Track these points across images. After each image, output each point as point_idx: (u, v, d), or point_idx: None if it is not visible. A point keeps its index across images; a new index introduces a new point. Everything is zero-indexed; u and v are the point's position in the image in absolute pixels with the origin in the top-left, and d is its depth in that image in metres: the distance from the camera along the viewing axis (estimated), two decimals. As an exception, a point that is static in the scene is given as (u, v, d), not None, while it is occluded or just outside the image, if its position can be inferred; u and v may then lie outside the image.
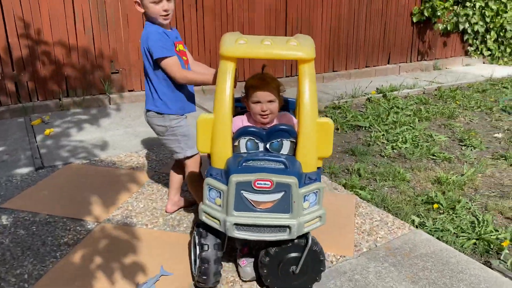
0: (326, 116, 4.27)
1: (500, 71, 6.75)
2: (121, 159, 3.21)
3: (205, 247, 1.74)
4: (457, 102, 4.95)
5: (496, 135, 3.91)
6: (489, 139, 3.82)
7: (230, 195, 1.61)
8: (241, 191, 1.61)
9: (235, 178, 1.60)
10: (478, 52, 7.51)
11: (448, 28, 6.80)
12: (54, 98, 4.50)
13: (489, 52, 7.53)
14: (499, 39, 7.53)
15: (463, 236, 2.29)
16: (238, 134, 1.77)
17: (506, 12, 7.28)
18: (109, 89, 4.72)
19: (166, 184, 2.81)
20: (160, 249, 2.13)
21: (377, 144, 3.65)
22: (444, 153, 3.42)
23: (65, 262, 2.02)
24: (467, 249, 2.21)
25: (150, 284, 1.85)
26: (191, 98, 2.28)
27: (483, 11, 7.10)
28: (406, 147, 3.52)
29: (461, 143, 3.70)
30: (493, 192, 2.82)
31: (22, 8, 4.15)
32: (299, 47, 1.69)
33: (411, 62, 6.92)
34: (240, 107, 2.10)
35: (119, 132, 3.81)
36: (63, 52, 4.44)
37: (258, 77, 1.89)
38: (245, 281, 1.88)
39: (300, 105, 1.70)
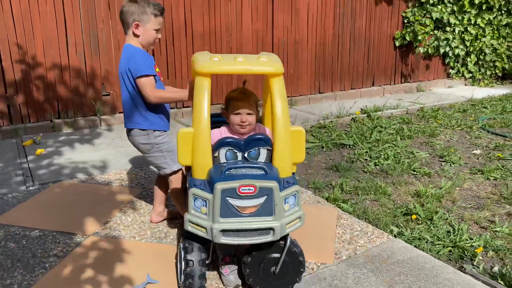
0: (312, 135, 4.42)
1: (480, 92, 7.00)
2: (110, 176, 3.29)
3: (190, 263, 1.80)
4: (438, 121, 5.13)
5: (474, 151, 4.06)
6: (468, 155, 3.96)
7: (216, 202, 1.68)
8: (226, 198, 1.68)
9: (220, 185, 1.68)
10: (460, 75, 7.79)
11: (429, 52, 7.08)
12: (46, 119, 4.59)
13: (470, 75, 7.81)
14: (479, 62, 7.83)
15: (439, 244, 2.39)
16: (218, 145, 1.85)
17: (484, 36, 7.61)
18: (100, 111, 4.82)
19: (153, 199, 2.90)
20: (147, 260, 2.19)
21: (360, 161, 3.77)
22: (424, 168, 3.55)
23: (54, 273, 2.08)
24: (442, 256, 2.30)
25: (136, 291, 1.92)
26: (168, 115, 2.40)
27: (462, 35, 7.41)
28: (388, 163, 3.65)
29: (441, 159, 3.84)
30: (470, 204, 2.94)
31: (17, 33, 4.29)
32: (269, 63, 1.82)
33: (395, 84, 7.15)
34: (216, 121, 2.19)
35: (109, 152, 3.90)
36: (56, 75, 4.56)
37: (239, 91, 2.01)
38: None
39: (274, 116, 1.81)
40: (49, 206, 2.78)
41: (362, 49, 6.64)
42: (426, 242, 2.42)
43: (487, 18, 7.50)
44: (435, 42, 7.15)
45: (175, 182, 2.37)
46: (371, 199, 3.01)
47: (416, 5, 6.94)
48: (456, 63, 7.68)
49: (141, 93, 2.21)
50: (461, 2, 7.15)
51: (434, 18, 6.96)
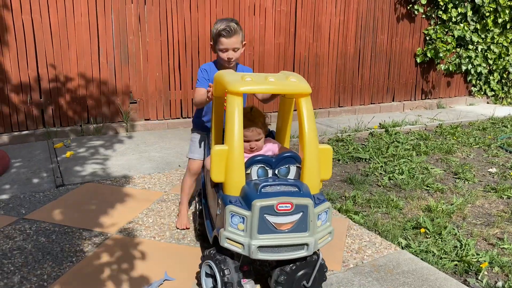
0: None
1: (502, 111, 6.97)
2: (134, 180, 3.49)
3: (226, 272, 1.82)
4: (455, 138, 5.16)
5: (490, 170, 4.09)
6: (483, 174, 4.00)
7: (254, 219, 1.72)
8: (264, 215, 1.73)
9: (258, 203, 1.72)
10: (482, 93, 7.76)
11: (450, 69, 7.09)
12: (76, 124, 4.86)
13: (493, 93, 7.78)
14: (503, 80, 7.79)
15: (445, 258, 2.47)
16: (250, 163, 1.90)
17: (508, 55, 7.57)
18: (127, 118, 5.06)
19: (174, 202, 3.07)
20: (165, 259, 2.35)
21: (375, 174, 3.86)
22: (437, 184, 3.61)
23: (80, 266, 2.26)
24: (447, 269, 2.38)
25: (154, 286, 2.07)
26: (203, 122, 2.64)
27: (485, 53, 7.40)
28: (402, 178, 3.73)
29: (455, 176, 3.89)
30: (480, 221, 2.99)
31: (53, 43, 4.58)
32: (299, 83, 1.93)
33: (415, 100, 7.19)
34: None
35: (134, 157, 4.10)
36: (86, 83, 4.83)
37: (247, 118, 2.03)
38: None
39: (303, 134, 1.89)
40: (77, 205, 2.98)
41: (383, 65, 6.73)
42: (433, 255, 2.49)
43: (510, 37, 7.47)
44: (457, 59, 7.17)
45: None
46: (383, 212, 3.10)
47: (439, 23, 6.99)
48: (478, 81, 7.66)
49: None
50: (484, 21, 7.16)
51: (456, 36, 6.99)
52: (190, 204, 2.87)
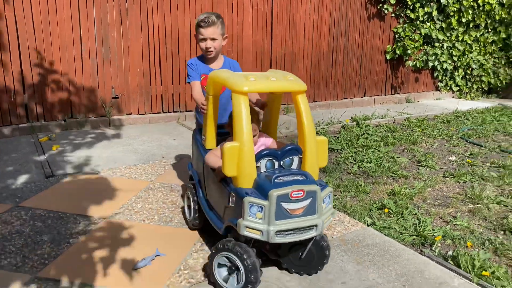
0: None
1: (465, 105, 7.43)
2: (121, 170, 3.69)
3: (250, 260, 1.95)
4: (421, 130, 5.54)
5: (450, 158, 4.47)
6: (444, 162, 4.37)
7: (271, 207, 1.89)
8: (280, 203, 1.91)
9: (275, 192, 1.89)
10: (448, 88, 8.22)
11: (418, 66, 7.51)
12: (60, 119, 4.99)
13: (458, 88, 8.25)
14: (467, 76, 8.27)
15: (405, 233, 2.79)
16: (259, 157, 2.06)
17: (471, 52, 8.05)
18: (109, 112, 5.22)
19: (160, 190, 3.30)
20: (155, 239, 2.58)
21: (346, 163, 4.17)
22: (402, 171, 3.95)
23: (77, 246, 2.46)
24: (406, 242, 2.69)
25: (147, 261, 2.30)
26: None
27: (450, 51, 7.85)
28: (370, 166, 4.05)
29: (418, 164, 4.24)
30: (438, 202, 3.34)
31: (36, 39, 4.70)
32: (297, 82, 2.13)
33: (385, 95, 7.58)
34: (220, 133, 2.56)
35: (118, 149, 4.29)
36: (69, 79, 4.96)
37: None
38: None
39: (303, 127, 2.09)
40: (68, 193, 3.17)
41: (355, 62, 7.08)
42: (395, 231, 2.81)
43: (474, 35, 7.95)
44: (424, 56, 7.59)
45: None
46: (352, 196, 3.41)
47: (407, 21, 7.39)
48: (444, 77, 8.11)
49: None
50: (449, 20, 7.60)
51: (423, 34, 7.40)
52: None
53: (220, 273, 2.07)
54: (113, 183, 3.40)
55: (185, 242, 2.54)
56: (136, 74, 5.34)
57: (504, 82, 8.33)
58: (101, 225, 2.72)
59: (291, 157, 2.13)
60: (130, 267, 2.27)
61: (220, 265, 2.07)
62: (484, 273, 2.28)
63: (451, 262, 2.42)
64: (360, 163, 4.11)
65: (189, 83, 2.84)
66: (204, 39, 2.70)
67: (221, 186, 2.19)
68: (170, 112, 5.66)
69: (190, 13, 5.49)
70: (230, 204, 2.06)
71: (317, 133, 5.12)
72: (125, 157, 4.04)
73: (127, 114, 5.41)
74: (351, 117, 5.98)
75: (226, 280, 2.05)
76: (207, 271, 2.14)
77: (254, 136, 2.28)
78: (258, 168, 2.06)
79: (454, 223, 2.96)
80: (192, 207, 2.62)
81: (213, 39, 2.70)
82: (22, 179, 3.43)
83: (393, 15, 7.25)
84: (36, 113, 4.86)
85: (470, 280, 2.24)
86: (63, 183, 3.36)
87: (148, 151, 4.28)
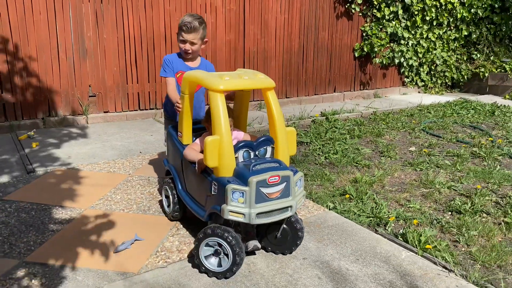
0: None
1: (429, 99, 7.85)
2: (100, 165, 3.87)
3: (231, 237, 2.15)
4: (386, 123, 5.89)
5: (410, 148, 4.81)
6: (404, 152, 4.71)
7: (252, 192, 2.10)
8: (259, 187, 2.11)
9: (255, 178, 2.10)
10: (413, 83, 8.63)
11: (384, 62, 7.88)
12: (38, 117, 5.11)
13: (423, 83, 8.68)
14: (431, 72, 8.71)
15: (363, 216, 3.08)
16: (237, 148, 2.26)
17: (435, 49, 8.48)
18: (87, 110, 5.37)
19: (138, 183, 3.51)
20: (134, 225, 2.79)
21: (313, 155, 4.46)
22: (365, 161, 4.26)
23: (61, 234, 2.66)
24: (363, 223, 2.99)
25: (127, 244, 2.52)
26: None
27: (415, 48, 8.26)
28: (336, 157, 4.34)
29: (381, 154, 4.56)
30: (395, 188, 3.65)
31: (13, 39, 4.81)
32: (267, 79, 2.38)
33: (354, 91, 7.93)
34: (196, 128, 2.80)
35: (97, 146, 4.46)
36: (47, 78, 5.09)
37: None
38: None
39: (274, 120, 2.34)
40: (50, 187, 3.35)
41: (325, 59, 7.39)
42: (354, 214, 3.10)
43: (437, 33, 8.38)
44: (391, 53, 7.97)
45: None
46: (317, 184, 3.69)
47: (373, 20, 7.74)
48: (410, 73, 8.52)
49: None
50: (413, 18, 8.00)
51: (389, 32, 7.77)
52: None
53: (210, 261, 2.24)
54: (92, 177, 3.59)
55: (162, 228, 2.77)
56: (113, 72, 5.50)
57: (466, 77, 8.80)
58: (82, 214, 2.92)
59: (265, 147, 2.35)
60: (111, 251, 2.48)
61: (208, 256, 2.24)
62: (427, 246, 2.59)
63: (401, 239, 2.73)
64: (327, 155, 4.40)
65: (163, 77, 3.05)
66: (184, 41, 2.93)
67: (202, 177, 2.37)
68: (147, 110, 5.83)
69: (165, 13, 5.68)
70: (213, 193, 2.24)
71: (287, 126, 5.43)
72: (103, 153, 4.22)
73: (104, 112, 5.56)
74: (321, 112, 6.28)
75: (214, 264, 2.23)
76: (194, 255, 2.31)
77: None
78: (236, 158, 2.26)
79: (407, 206, 3.28)
80: (171, 200, 2.78)
81: (192, 43, 2.93)
82: (4, 175, 3.58)
83: (360, 14, 7.59)
84: (14, 112, 4.97)
85: (416, 253, 2.55)
86: (44, 178, 3.53)
87: (126, 146, 4.47)
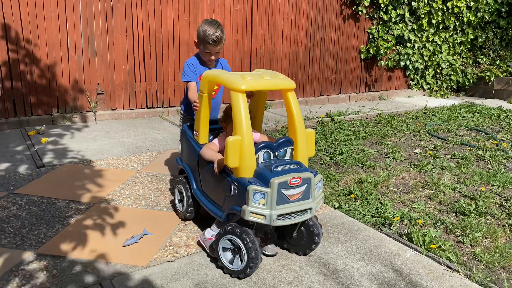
0: (282, 134, 5.13)
1: (434, 102, 7.87)
2: (108, 161, 3.92)
3: (248, 239, 2.11)
4: (391, 125, 5.91)
5: (415, 150, 4.84)
6: (409, 154, 4.74)
7: (273, 193, 2.07)
8: (281, 189, 2.09)
9: (277, 180, 2.07)
10: (419, 86, 8.66)
11: (390, 65, 7.91)
12: (47, 113, 5.18)
13: (428, 86, 8.70)
14: (437, 75, 8.73)
15: (368, 215, 3.11)
16: (258, 149, 2.23)
17: (441, 52, 8.50)
18: (95, 108, 5.43)
19: (146, 179, 3.56)
20: (142, 220, 2.84)
21: (319, 155, 4.49)
22: (370, 162, 4.29)
23: (71, 227, 2.71)
24: (368, 222, 3.02)
25: (136, 239, 2.57)
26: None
27: (421, 51, 8.28)
28: (341, 158, 4.38)
29: (386, 156, 4.59)
30: (400, 189, 3.69)
31: (24, 36, 4.88)
32: (286, 80, 2.35)
33: (360, 92, 7.96)
34: (212, 128, 2.75)
35: (105, 142, 4.52)
36: (57, 74, 5.16)
37: None
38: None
39: (294, 121, 2.31)
40: (60, 182, 3.40)
41: (331, 60, 7.43)
42: (359, 213, 3.14)
43: (443, 37, 8.40)
44: (397, 56, 7.99)
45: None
46: (323, 184, 3.72)
47: (380, 23, 7.77)
48: (415, 76, 8.54)
49: None
50: (420, 22, 8.02)
51: (396, 35, 7.80)
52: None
53: (226, 257, 2.24)
54: (101, 172, 3.64)
55: (170, 223, 2.81)
56: (121, 71, 5.56)
57: (471, 80, 8.81)
58: (92, 209, 2.97)
59: (284, 149, 2.32)
60: (121, 244, 2.53)
61: (225, 249, 2.24)
62: (432, 246, 2.62)
63: (405, 238, 2.76)
64: (332, 155, 4.44)
65: (185, 81, 3.00)
66: (210, 53, 2.87)
67: (221, 177, 2.34)
68: (154, 108, 5.89)
69: (173, 13, 5.73)
70: (232, 193, 2.22)
71: (286, 128, 5.47)
72: (112, 149, 4.27)
73: (112, 109, 5.62)
74: (326, 113, 6.32)
75: (231, 262, 2.23)
76: (213, 253, 2.35)
77: None
78: (257, 159, 2.23)
79: (412, 206, 3.31)
80: (185, 199, 2.76)
81: (217, 53, 2.91)
82: (14, 169, 3.64)
83: (367, 16, 7.62)
84: (24, 107, 5.04)
85: (420, 253, 2.58)
86: (54, 173, 3.59)
87: (133, 143, 4.52)
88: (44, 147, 4.24)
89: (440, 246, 2.65)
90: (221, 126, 2.70)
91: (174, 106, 6.00)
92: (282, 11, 6.67)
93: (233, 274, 2.21)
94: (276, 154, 2.31)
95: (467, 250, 2.70)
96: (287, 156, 2.35)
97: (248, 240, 2.12)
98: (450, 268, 2.43)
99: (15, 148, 4.19)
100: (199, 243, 2.54)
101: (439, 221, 3.06)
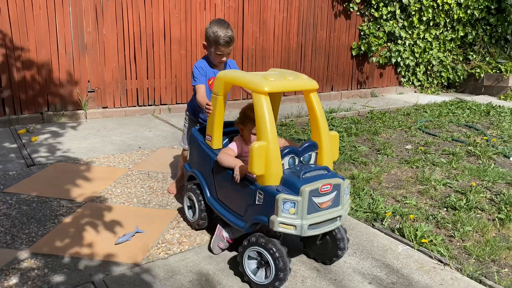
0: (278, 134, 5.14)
1: (425, 98, 7.92)
2: (100, 159, 3.90)
3: (275, 248, 2.01)
4: (382, 122, 5.94)
5: (407, 147, 4.87)
6: (400, 150, 4.76)
7: (304, 202, 1.95)
8: (312, 197, 1.97)
9: (307, 188, 1.94)
10: (410, 83, 8.71)
11: (381, 62, 7.94)
12: (37, 112, 5.12)
13: (419, 83, 8.75)
14: (428, 72, 8.78)
15: (360, 211, 3.13)
16: (284, 155, 2.09)
17: (432, 49, 8.55)
18: (86, 106, 5.39)
19: (138, 177, 3.54)
20: (135, 218, 2.82)
21: (311, 152, 4.50)
22: (362, 158, 4.31)
23: (62, 226, 2.69)
24: (361, 218, 3.04)
25: (128, 236, 2.55)
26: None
27: (412, 48, 8.33)
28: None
29: (377, 152, 4.62)
30: (392, 185, 3.71)
31: (12, 34, 4.82)
32: (310, 80, 2.21)
33: (351, 90, 7.99)
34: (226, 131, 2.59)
35: (96, 140, 4.49)
36: (46, 73, 5.10)
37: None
38: None
39: (319, 123, 2.18)
40: (51, 180, 3.37)
41: (322, 58, 7.44)
42: (351, 209, 3.15)
43: (434, 33, 8.45)
44: (388, 53, 8.03)
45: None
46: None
47: (371, 20, 7.80)
48: (406, 72, 8.59)
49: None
50: (411, 19, 8.06)
51: (387, 32, 7.83)
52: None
53: (250, 266, 2.14)
54: (92, 170, 3.62)
55: (163, 221, 2.80)
56: (112, 68, 5.52)
57: (461, 77, 8.88)
58: (83, 207, 2.95)
59: (309, 153, 2.19)
60: (113, 242, 2.51)
61: (250, 258, 2.14)
62: (423, 240, 2.65)
63: (397, 233, 2.78)
64: (324, 152, 4.45)
65: (194, 86, 2.80)
66: (222, 55, 2.72)
67: (242, 185, 2.19)
68: (146, 106, 5.86)
69: (164, 10, 5.70)
70: (257, 202, 2.08)
71: (285, 125, 5.48)
72: (103, 147, 4.24)
73: (103, 107, 5.58)
74: (319, 110, 6.32)
75: (254, 273, 2.13)
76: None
77: None
78: (282, 165, 2.10)
79: (404, 202, 3.33)
80: (197, 208, 2.59)
81: (229, 54, 2.75)
82: (4, 168, 3.60)
83: (358, 13, 7.64)
84: (13, 106, 4.98)
85: (412, 247, 2.60)
86: (44, 171, 3.55)
87: (125, 142, 4.50)
88: (34, 146, 4.20)
89: (431, 241, 2.67)
90: (230, 129, 2.56)
91: (166, 104, 5.98)
92: (274, 8, 6.67)
93: None
94: (301, 159, 2.18)
95: (458, 244, 2.72)
96: (312, 161, 2.22)
97: (275, 250, 2.01)
98: (441, 262, 2.45)
99: (5, 147, 4.15)
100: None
101: (430, 216, 3.09)
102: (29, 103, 5.07)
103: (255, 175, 2.07)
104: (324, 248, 2.33)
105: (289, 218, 1.96)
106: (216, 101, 2.38)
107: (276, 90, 2.09)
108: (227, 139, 2.65)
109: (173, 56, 5.89)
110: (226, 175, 2.31)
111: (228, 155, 2.34)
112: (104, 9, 5.30)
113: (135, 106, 5.80)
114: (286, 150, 2.11)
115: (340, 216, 2.10)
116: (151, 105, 5.89)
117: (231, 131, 2.70)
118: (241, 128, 2.44)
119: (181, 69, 5.98)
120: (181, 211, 2.93)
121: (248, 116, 2.34)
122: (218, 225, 2.42)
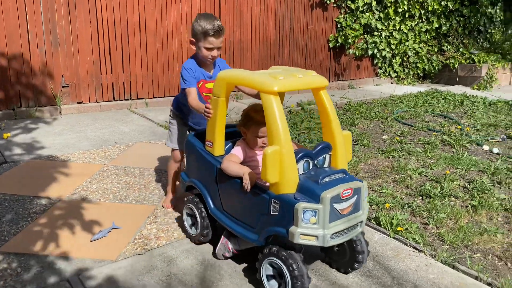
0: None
1: (401, 89, 8.04)
2: (75, 155, 3.82)
3: (295, 266, 1.85)
4: (359, 113, 6.01)
5: (383, 137, 4.94)
6: (377, 140, 4.83)
7: (326, 210, 1.80)
8: (333, 204, 1.82)
9: (328, 194, 1.79)
10: (387, 74, 8.81)
11: (358, 54, 8.01)
12: (8, 108, 4.98)
13: (396, 74, 8.86)
14: (404, 63, 8.90)
15: (337, 201, 3.16)
16: (298, 159, 1.92)
17: (407, 40, 8.66)
18: (60, 101, 5.27)
19: (114, 172, 3.49)
20: (111, 214, 2.79)
21: (290, 144, 4.52)
22: (340, 149, 4.35)
23: (35, 224, 2.63)
24: (338, 208, 3.07)
25: (104, 233, 2.52)
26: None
27: (388, 39, 8.42)
28: (311, 145, 4.42)
29: (354, 143, 4.67)
30: (368, 174, 3.76)
31: (-20, 27, 4.67)
32: (320, 77, 2.07)
33: (329, 81, 8.03)
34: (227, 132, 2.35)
35: (71, 136, 4.40)
36: (18, 68, 4.96)
37: (262, 114, 1.94)
38: None
39: (331, 123, 2.04)
40: (24, 178, 3.29)
41: (300, 50, 7.45)
42: (329, 200, 3.18)
43: (409, 25, 8.56)
44: (364, 45, 8.10)
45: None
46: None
47: (348, 12, 7.84)
48: (383, 64, 8.68)
49: None
50: (386, 10, 8.14)
51: (363, 24, 7.89)
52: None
53: (272, 285, 2.00)
54: (67, 167, 3.54)
55: (139, 216, 2.77)
56: (86, 62, 5.40)
57: (437, 68, 9.03)
58: (57, 205, 2.89)
59: (323, 156, 2.05)
60: (89, 239, 2.47)
61: (269, 277, 2.01)
62: (399, 228, 2.69)
63: (374, 222, 2.82)
64: (303, 143, 4.47)
65: (184, 89, 2.59)
66: (212, 49, 2.51)
67: (253, 194, 2.02)
68: (122, 100, 5.77)
69: (139, 1, 5.60)
70: (272, 213, 1.92)
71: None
72: (78, 143, 4.16)
73: (78, 103, 5.47)
74: (297, 103, 6.35)
75: (268, 280, 2.01)
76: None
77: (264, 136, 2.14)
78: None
79: (380, 191, 3.38)
80: (198, 221, 2.39)
81: (219, 47, 2.54)
82: (-26, 166, 3.50)
83: (334, 5, 7.67)
84: (-17, 102, 4.84)
85: (388, 235, 2.65)
86: (17, 169, 3.47)
87: (100, 137, 4.42)
88: (6, 143, 4.09)
89: (407, 229, 2.72)
90: (229, 131, 2.38)
91: (142, 98, 5.89)
92: (250, 1, 6.63)
93: None
94: (316, 162, 2.03)
95: (433, 231, 2.78)
96: (326, 164, 2.07)
97: (295, 268, 1.86)
98: (416, 249, 2.50)
99: (-25, 144, 4.03)
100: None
101: (406, 205, 3.14)
102: (0, 99, 4.93)
103: (268, 183, 1.92)
104: (342, 256, 2.20)
105: (310, 229, 1.81)
106: (217, 104, 2.17)
107: (286, 89, 1.94)
108: (230, 143, 2.44)
109: (149, 49, 5.80)
110: (233, 184, 2.13)
111: (233, 163, 2.15)
112: (77, 1, 5.17)
113: (111, 101, 5.70)
114: (301, 154, 1.94)
115: (361, 222, 1.98)
116: (127, 99, 5.80)
117: (230, 132, 2.48)
118: (244, 131, 2.27)
119: (157, 62, 5.90)
120: (158, 206, 2.90)
121: (251, 118, 2.20)
122: (223, 236, 2.28)
